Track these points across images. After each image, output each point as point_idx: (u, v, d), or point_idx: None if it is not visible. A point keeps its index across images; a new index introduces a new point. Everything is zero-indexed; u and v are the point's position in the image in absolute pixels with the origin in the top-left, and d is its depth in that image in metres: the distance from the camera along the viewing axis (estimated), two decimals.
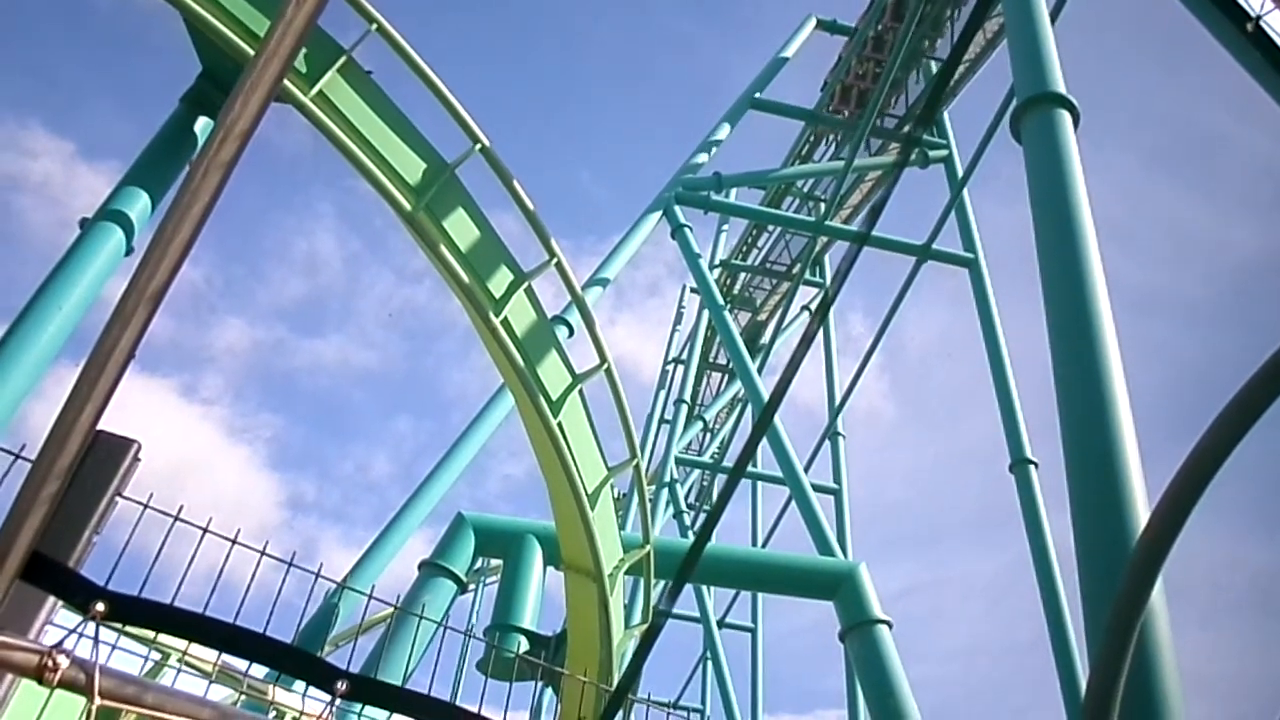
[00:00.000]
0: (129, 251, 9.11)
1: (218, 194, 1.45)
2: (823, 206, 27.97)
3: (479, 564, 15.62)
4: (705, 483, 37.41)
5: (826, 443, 27.99)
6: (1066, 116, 9.11)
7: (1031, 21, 11.21)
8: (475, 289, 9.88)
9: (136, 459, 1.92)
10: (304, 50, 9.27)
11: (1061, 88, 9.40)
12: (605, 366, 11.12)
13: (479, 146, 9.81)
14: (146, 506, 2.22)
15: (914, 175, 26.04)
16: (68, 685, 1.41)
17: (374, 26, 9.25)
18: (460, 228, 9.84)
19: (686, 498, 33.48)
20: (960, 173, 22.97)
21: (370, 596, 6.09)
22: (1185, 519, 2.77)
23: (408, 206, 9.42)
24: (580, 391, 11.07)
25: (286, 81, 9.33)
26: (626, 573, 12.76)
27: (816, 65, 27.74)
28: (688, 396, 31.54)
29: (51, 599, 1.59)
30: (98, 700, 1.40)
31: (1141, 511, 6.18)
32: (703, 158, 22.99)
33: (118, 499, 1.85)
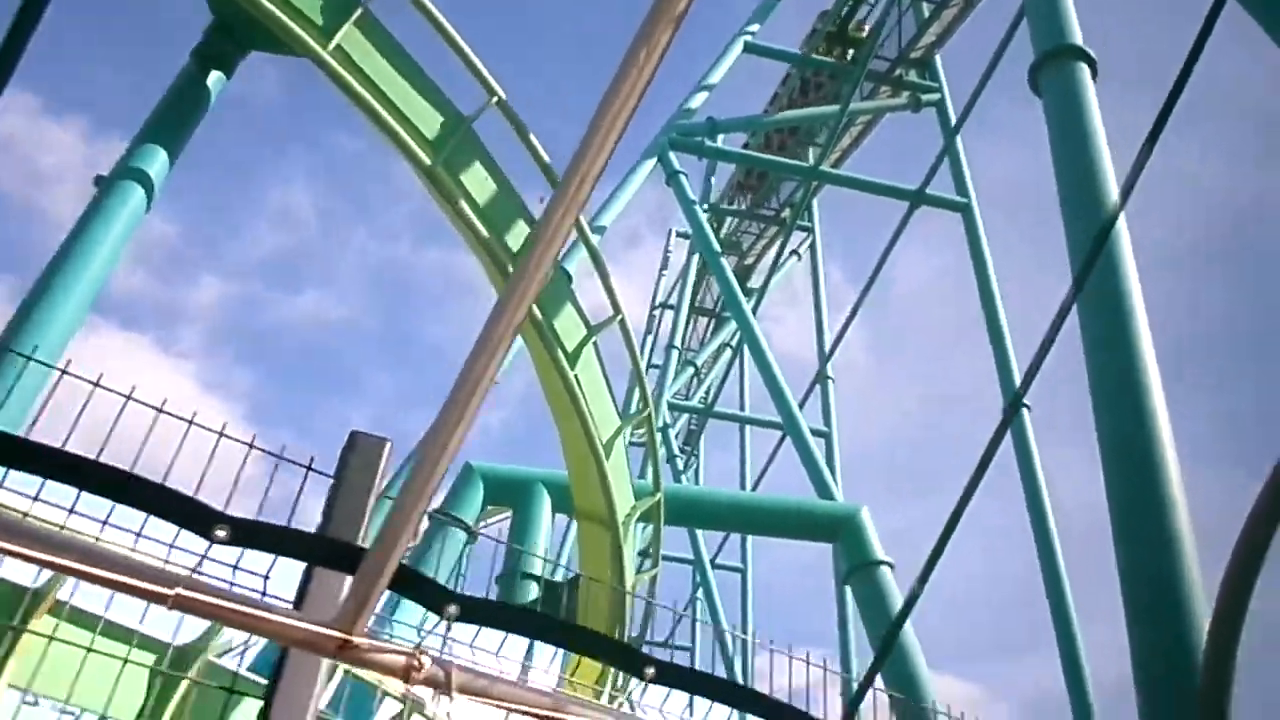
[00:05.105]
0: (149, 209, 9.07)
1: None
2: (811, 151, 28.01)
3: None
4: (693, 426, 37.72)
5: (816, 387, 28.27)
6: (1085, 69, 9.13)
7: None
8: (493, 243, 9.90)
9: (390, 457, 2.01)
10: (320, 2, 9.18)
11: (1079, 39, 9.41)
12: (619, 318, 11.22)
13: (495, 99, 9.77)
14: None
15: (902, 119, 26.09)
16: (429, 682, 1.52)
17: None
18: (477, 182, 9.84)
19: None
20: (953, 117, 22.99)
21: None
22: None
23: (427, 161, 9.40)
24: (595, 344, 11.17)
25: (304, 35, 9.24)
26: (637, 520, 12.99)
27: (809, 6, 27.47)
28: (678, 342, 31.67)
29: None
30: (455, 696, 1.51)
31: (1173, 470, 6.36)
32: (696, 101, 22.87)
33: (383, 498, 1.94)
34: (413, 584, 1.62)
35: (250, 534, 1.55)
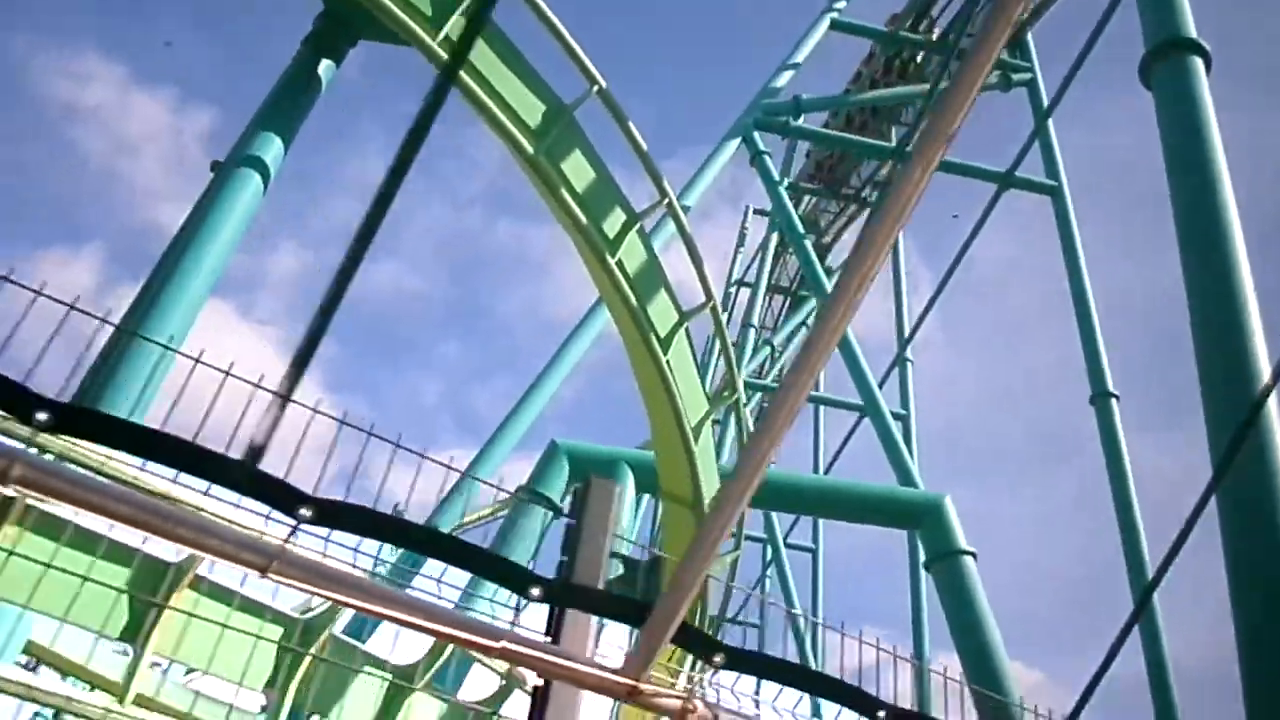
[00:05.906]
0: (265, 193, 9.37)
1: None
2: (894, 130, 27.67)
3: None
4: (767, 405, 37.68)
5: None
6: (1199, 63, 8.86)
7: None
8: (592, 230, 10.06)
9: (618, 498, 2.18)
10: None
11: (1193, 32, 9.10)
12: (711, 305, 11.33)
13: (596, 88, 9.91)
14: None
15: (992, 99, 25.62)
16: None
17: None
18: (578, 170, 9.99)
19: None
20: (1045, 96, 22.54)
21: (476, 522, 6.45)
22: None
23: (530, 149, 9.57)
24: (686, 329, 11.30)
25: (414, 25, 9.43)
26: None
27: None
28: (755, 320, 31.67)
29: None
30: None
31: None
32: (781, 80, 22.75)
33: (615, 536, 2.11)
34: (688, 636, 1.78)
35: (559, 593, 1.73)
